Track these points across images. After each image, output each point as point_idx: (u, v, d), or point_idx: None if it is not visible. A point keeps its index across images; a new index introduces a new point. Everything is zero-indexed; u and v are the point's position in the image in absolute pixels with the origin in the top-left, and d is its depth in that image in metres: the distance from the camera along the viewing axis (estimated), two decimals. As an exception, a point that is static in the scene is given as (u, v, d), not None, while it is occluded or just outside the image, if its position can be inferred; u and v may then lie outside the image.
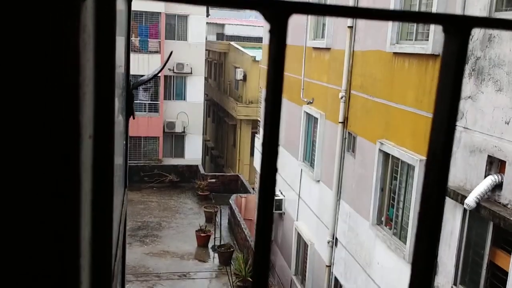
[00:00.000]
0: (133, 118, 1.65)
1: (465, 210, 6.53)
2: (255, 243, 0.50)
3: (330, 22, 11.40)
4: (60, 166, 0.47)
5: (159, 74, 25.46)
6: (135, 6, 26.42)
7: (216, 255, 17.09)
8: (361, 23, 9.97)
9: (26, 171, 0.46)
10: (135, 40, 25.50)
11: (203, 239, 17.87)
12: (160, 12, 25.52)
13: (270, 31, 0.50)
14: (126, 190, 1.62)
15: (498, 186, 6.07)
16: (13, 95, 0.45)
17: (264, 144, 0.50)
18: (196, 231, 18.10)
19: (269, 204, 0.51)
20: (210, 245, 17.94)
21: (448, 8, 7.11)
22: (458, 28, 0.51)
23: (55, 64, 0.44)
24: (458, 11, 6.79)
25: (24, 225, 0.48)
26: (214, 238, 17.79)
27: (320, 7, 0.50)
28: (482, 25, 0.54)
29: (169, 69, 26.14)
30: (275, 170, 0.52)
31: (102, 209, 0.69)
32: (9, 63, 0.44)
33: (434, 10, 7.36)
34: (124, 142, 1.57)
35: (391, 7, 8.56)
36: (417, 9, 8.10)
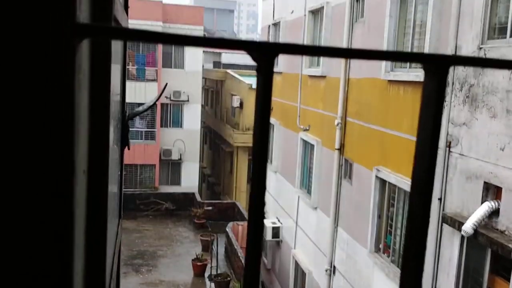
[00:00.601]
0: (128, 148, 1.67)
1: (462, 237, 6.50)
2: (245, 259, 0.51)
3: (325, 50, 11.55)
4: (53, 202, 0.48)
5: (156, 102, 25.58)
6: (132, 36, 26.59)
7: (213, 284, 16.84)
8: (356, 52, 10.11)
9: (19, 207, 0.47)
10: (132, 69, 25.73)
11: (199, 268, 17.65)
12: (158, 41, 25.80)
13: (257, 70, 0.53)
14: (121, 221, 1.62)
15: (495, 213, 6.07)
16: (7, 133, 0.47)
17: (252, 187, 0.52)
18: (192, 260, 17.88)
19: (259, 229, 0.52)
20: (206, 274, 17.70)
21: (442, 37, 7.24)
22: (437, 67, 0.54)
23: (49, 104, 0.45)
24: (451, 40, 6.91)
25: (16, 259, 0.49)
26: (211, 267, 17.57)
27: (303, 48, 0.52)
28: (460, 63, 0.56)
29: (166, 97, 26.28)
30: (262, 215, 0.54)
31: (95, 244, 0.70)
32: (5, 101, 0.46)
33: (427, 38, 7.49)
34: (119, 172, 1.58)
35: (385, 37, 8.72)
36: (410, 39, 8.25)
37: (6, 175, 0.46)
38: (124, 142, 1.53)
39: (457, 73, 6.84)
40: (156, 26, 25.66)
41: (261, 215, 0.53)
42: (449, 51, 6.98)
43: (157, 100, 2.77)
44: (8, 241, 0.47)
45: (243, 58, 34.54)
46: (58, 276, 0.49)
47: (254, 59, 0.51)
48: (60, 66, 0.45)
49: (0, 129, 0.45)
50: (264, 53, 0.50)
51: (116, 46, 1.42)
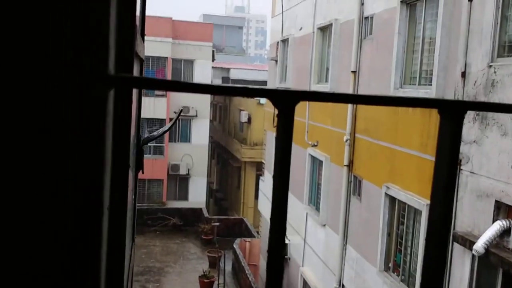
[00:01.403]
0: (143, 172, 1.69)
1: (473, 256, 6.43)
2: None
3: (334, 66, 11.61)
4: (83, 238, 0.50)
5: (165, 118, 25.74)
6: (142, 52, 26.71)
7: (220, 301, 16.72)
8: (365, 68, 10.14)
9: (54, 243, 0.49)
10: (142, 84, 25.93)
11: (206, 285, 17.53)
12: (167, 57, 26.07)
13: (278, 116, 0.55)
14: (134, 244, 1.64)
15: (506, 232, 6.00)
16: (41, 169, 0.49)
17: (272, 223, 0.53)
18: (199, 276, 17.79)
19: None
20: (214, 290, 17.58)
21: (451, 54, 7.25)
22: (452, 111, 0.55)
23: (83, 148, 0.47)
24: (460, 57, 6.92)
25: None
26: (218, 284, 17.46)
27: (324, 95, 0.54)
28: (475, 108, 0.57)
29: (174, 112, 26.42)
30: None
31: (114, 275, 0.71)
32: (43, 142, 0.48)
33: (436, 56, 7.51)
34: (133, 196, 1.60)
35: (393, 54, 8.74)
36: (419, 56, 8.26)
37: (42, 214, 0.48)
38: (138, 166, 1.55)
39: (467, 90, 6.83)
40: (166, 42, 25.94)
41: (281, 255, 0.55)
42: (458, 69, 6.98)
43: (172, 126, 2.80)
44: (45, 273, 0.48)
45: (251, 73, 34.73)
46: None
47: (275, 106, 0.53)
48: (93, 114, 0.47)
49: (37, 173, 0.47)
50: (286, 101, 0.52)
51: (136, 67, 1.45)
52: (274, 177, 0.53)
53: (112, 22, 0.56)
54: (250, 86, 0.51)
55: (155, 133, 3.02)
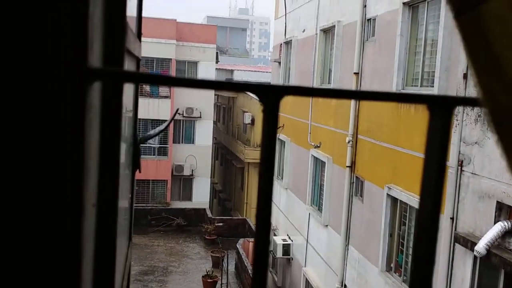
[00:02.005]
0: (140, 171, 1.69)
1: (475, 257, 6.41)
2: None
3: (337, 68, 11.60)
4: (62, 235, 0.49)
5: (167, 127, 25.75)
6: (146, 53, 26.93)
7: (223, 301, 16.72)
8: (367, 69, 10.13)
9: (28, 243, 0.48)
10: (146, 85, 25.99)
11: (209, 285, 17.55)
12: (171, 59, 26.11)
13: (263, 111, 0.54)
14: (131, 243, 1.64)
15: (508, 233, 5.98)
16: (18, 169, 0.49)
17: (257, 225, 0.52)
18: (202, 276, 17.80)
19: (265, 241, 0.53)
20: (216, 291, 17.59)
21: (453, 56, 7.23)
22: (441, 108, 0.54)
23: (59, 144, 0.47)
24: (462, 58, 6.90)
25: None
26: (221, 284, 17.47)
27: (307, 89, 0.53)
28: (465, 103, 0.57)
29: (178, 113, 26.48)
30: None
31: (104, 274, 0.71)
32: (16, 140, 0.48)
33: (438, 57, 7.49)
34: (130, 195, 1.60)
35: (396, 56, 8.72)
36: (421, 57, 8.24)
37: (14, 213, 0.47)
38: (135, 165, 1.55)
39: (468, 91, 6.82)
40: (170, 44, 25.98)
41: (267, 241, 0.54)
42: (460, 70, 6.97)
43: (168, 125, 2.81)
44: (15, 281, 0.48)
45: (255, 75, 34.75)
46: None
47: (260, 101, 0.53)
48: (71, 108, 0.46)
49: (12, 164, 0.47)
50: (270, 96, 0.51)
51: (131, 66, 1.44)
52: (259, 174, 0.52)
53: (97, 17, 0.56)
54: (233, 81, 0.51)
55: (151, 132, 3.02)
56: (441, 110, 0.54)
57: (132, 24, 1.38)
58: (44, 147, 0.47)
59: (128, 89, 1.37)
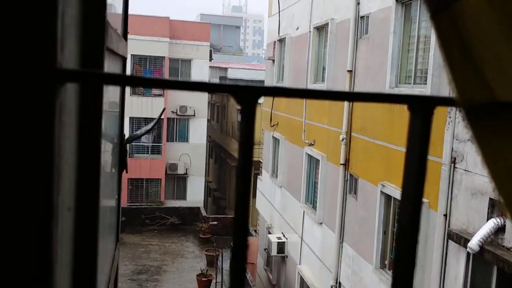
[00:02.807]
0: (126, 172, 1.67)
1: (468, 253, 6.43)
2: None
3: (330, 65, 11.60)
4: (33, 240, 0.48)
5: (162, 117, 25.70)
6: (139, 51, 26.74)
7: (218, 300, 16.73)
8: (361, 67, 10.14)
9: None
10: (138, 84, 25.88)
11: (204, 284, 17.54)
12: (164, 57, 26.04)
13: (240, 112, 0.53)
14: (118, 244, 1.62)
15: (501, 229, 6.00)
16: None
17: (235, 217, 0.52)
18: (197, 275, 17.79)
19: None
20: (211, 289, 17.58)
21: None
22: (422, 107, 0.54)
23: (27, 146, 0.46)
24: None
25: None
26: (216, 282, 17.47)
27: (284, 90, 0.52)
28: (445, 104, 0.56)
29: (172, 111, 26.42)
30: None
31: (85, 278, 0.70)
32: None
33: (431, 54, 7.50)
34: (117, 196, 1.58)
35: (389, 54, 8.73)
36: (414, 55, 8.26)
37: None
38: (122, 166, 1.53)
39: (461, 89, 6.83)
40: (163, 42, 25.90)
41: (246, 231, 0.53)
42: (453, 67, 6.98)
43: (155, 124, 2.79)
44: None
45: (249, 73, 34.72)
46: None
47: (237, 101, 0.52)
48: (39, 110, 0.45)
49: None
50: (247, 96, 0.50)
51: (115, 65, 1.43)
52: (236, 174, 0.51)
53: (70, 16, 0.55)
54: (209, 81, 0.49)
55: (138, 132, 3.01)
56: (421, 110, 0.54)
57: (116, 23, 1.37)
58: (10, 149, 0.45)
59: (114, 89, 1.35)
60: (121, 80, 0.45)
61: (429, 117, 0.53)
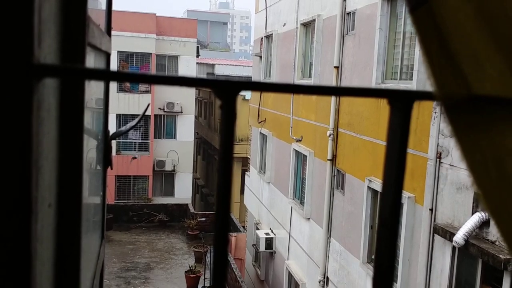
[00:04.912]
0: (111, 168, 1.66)
1: (454, 247, 6.51)
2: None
3: (317, 62, 11.63)
4: (12, 237, 0.48)
5: (150, 114, 25.57)
6: (125, 47, 26.56)
7: (206, 296, 16.73)
8: (347, 63, 10.18)
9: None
10: (125, 80, 25.70)
11: (192, 280, 17.53)
12: (151, 53, 25.88)
13: (221, 107, 0.53)
14: (104, 242, 1.61)
15: (485, 223, 6.08)
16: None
17: (217, 217, 0.52)
18: (185, 272, 17.77)
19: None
20: (200, 286, 17.58)
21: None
22: (401, 102, 0.54)
23: (3, 144, 0.45)
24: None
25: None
26: (204, 279, 17.47)
27: (264, 85, 0.52)
28: (424, 98, 0.56)
29: (159, 108, 26.30)
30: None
31: (68, 275, 0.69)
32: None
33: (417, 50, 7.56)
34: (102, 193, 1.57)
35: (375, 50, 8.78)
36: (400, 51, 8.31)
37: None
38: (106, 162, 1.52)
39: (447, 84, 6.89)
40: (150, 38, 25.73)
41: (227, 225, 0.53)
42: (438, 63, 7.04)
43: (139, 120, 2.78)
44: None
45: (236, 69, 34.66)
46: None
47: (217, 96, 0.52)
48: (15, 105, 0.45)
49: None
50: (227, 91, 0.50)
51: (98, 61, 1.41)
52: (218, 170, 0.51)
53: (48, 10, 0.54)
54: (189, 76, 0.49)
55: (123, 128, 3.00)
56: (401, 104, 0.54)
57: (100, 19, 1.35)
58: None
59: (97, 85, 1.34)
60: (98, 74, 0.45)
61: (409, 111, 0.54)
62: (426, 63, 0.51)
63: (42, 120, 0.53)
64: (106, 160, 1.49)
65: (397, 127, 0.55)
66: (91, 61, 1.03)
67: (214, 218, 0.53)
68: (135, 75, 0.47)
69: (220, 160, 0.52)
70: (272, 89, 0.51)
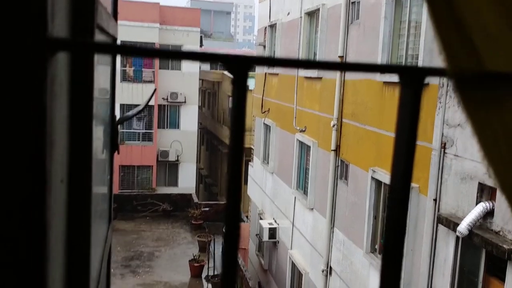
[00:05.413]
0: (118, 153, 1.67)
1: (457, 237, 6.52)
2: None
3: (321, 51, 11.58)
4: (25, 214, 0.48)
5: (153, 104, 25.57)
6: (129, 37, 26.48)
7: (210, 285, 16.84)
8: (352, 53, 10.13)
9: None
10: (129, 70, 25.71)
11: (196, 269, 17.64)
12: (154, 43, 25.82)
13: (232, 82, 0.53)
14: (111, 225, 1.62)
15: (489, 213, 6.08)
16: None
17: (228, 189, 0.52)
18: (189, 261, 17.88)
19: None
20: (203, 275, 17.70)
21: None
22: (412, 78, 0.54)
23: (18, 116, 0.46)
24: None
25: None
26: (208, 268, 17.57)
27: (276, 60, 0.52)
28: (436, 74, 0.56)
29: (163, 98, 26.29)
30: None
31: (78, 252, 0.70)
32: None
33: (422, 39, 7.51)
34: (109, 176, 1.58)
35: (380, 39, 8.73)
36: (405, 40, 8.26)
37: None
38: (113, 146, 1.53)
39: (452, 74, 6.86)
40: (153, 27, 25.67)
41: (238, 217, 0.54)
42: (444, 52, 7.00)
43: (145, 105, 2.78)
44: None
45: (240, 59, 34.54)
46: (31, 282, 0.49)
47: (230, 71, 0.52)
48: (30, 80, 0.45)
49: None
50: (239, 66, 0.50)
51: (105, 62, 1.42)
52: (229, 147, 0.51)
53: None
54: (200, 51, 0.50)
55: (129, 113, 3.00)
56: (412, 80, 0.54)
57: (107, 3, 1.36)
58: (2, 119, 0.45)
59: (105, 69, 1.34)
60: (111, 49, 0.45)
61: (420, 87, 0.54)
62: (437, 38, 0.51)
63: (55, 95, 0.53)
64: (113, 144, 1.49)
65: (407, 104, 0.55)
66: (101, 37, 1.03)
67: (226, 192, 0.53)
68: (144, 49, 0.47)
69: (232, 133, 0.52)
70: (283, 64, 0.52)
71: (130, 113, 2.87)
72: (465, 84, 0.51)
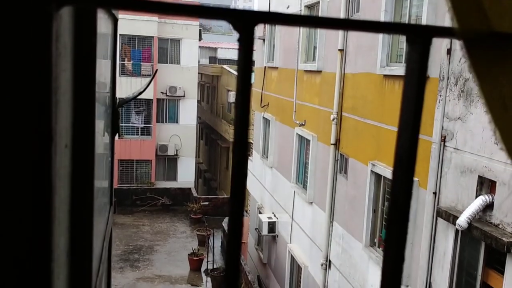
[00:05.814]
0: (119, 136, 1.66)
1: (457, 230, 6.53)
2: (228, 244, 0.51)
3: (321, 45, 11.56)
4: (31, 172, 0.48)
5: (152, 98, 25.52)
6: (128, 31, 26.37)
7: (209, 279, 16.88)
8: (352, 46, 10.11)
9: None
10: (128, 64, 25.63)
11: (195, 263, 17.68)
12: (153, 36, 25.75)
13: (238, 40, 0.52)
14: (112, 208, 1.62)
15: (489, 206, 6.09)
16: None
17: (234, 149, 0.52)
18: (188, 254, 17.91)
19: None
20: (203, 269, 17.73)
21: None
22: (419, 37, 0.54)
23: (24, 72, 0.45)
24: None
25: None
26: (207, 261, 17.61)
27: (284, 16, 0.52)
28: (443, 33, 0.56)
29: (161, 92, 26.25)
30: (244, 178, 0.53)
31: (81, 217, 0.70)
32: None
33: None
34: (110, 159, 1.58)
35: (379, 43, 8.70)
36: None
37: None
38: (114, 129, 1.52)
39: (452, 67, 6.85)
40: (152, 21, 25.58)
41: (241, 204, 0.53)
42: (443, 46, 6.99)
43: (147, 86, 2.77)
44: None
45: (239, 53, 34.50)
46: (37, 247, 0.49)
47: (235, 28, 0.51)
48: (35, 34, 0.44)
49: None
50: (245, 22, 0.50)
51: (106, 31, 1.41)
52: (235, 106, 0.51)
53: None
54: (205, 5, 0.49)
55: (130, 95, 2.99)
56: (419, 39, 0.53)
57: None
58: (7, 75, 0.45)
59: (105, 63, 1.33)
60: (112, 2, 0.44)
61: (427, 46, 0.53)
62: (447, 1, 0.50)
63: (60, 54, 0.53)
64: (114, 126, 1.49)
65: (414, 63, 0.54)
66: (100, 23, 1.02)
67: (233, 157, 0.53)
68: (147, 2, 0.46)
69: (237, 95, 0.52)
70: (290, 21, 0.51)
71: (131, 95, 2.86)
72: (474, 43, 0.51)
